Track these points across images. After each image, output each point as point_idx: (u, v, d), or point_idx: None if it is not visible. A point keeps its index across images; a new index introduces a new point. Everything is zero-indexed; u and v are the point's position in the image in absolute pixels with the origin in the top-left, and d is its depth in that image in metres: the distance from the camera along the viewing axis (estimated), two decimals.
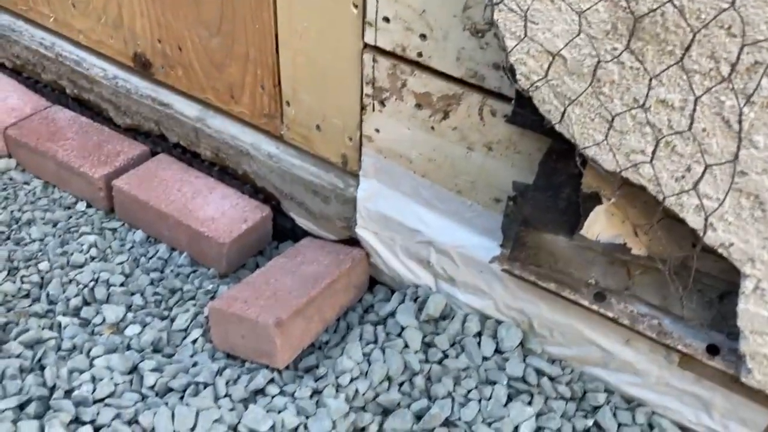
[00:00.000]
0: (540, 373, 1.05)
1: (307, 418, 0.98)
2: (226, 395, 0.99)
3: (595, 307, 0.94)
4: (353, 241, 1.20)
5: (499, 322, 1.10)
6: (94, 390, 0.96)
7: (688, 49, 0.66)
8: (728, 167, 0.72)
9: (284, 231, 1.30)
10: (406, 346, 1.09)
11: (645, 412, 1.02)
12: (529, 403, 1.02)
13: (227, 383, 1.01)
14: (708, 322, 0.90)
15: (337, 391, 1.02)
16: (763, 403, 0.91)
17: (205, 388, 1.00)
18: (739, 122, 0.66)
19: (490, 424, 1.00)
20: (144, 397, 0.98)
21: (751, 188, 0.72)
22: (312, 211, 1.22)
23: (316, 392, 1.02)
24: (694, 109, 0.68)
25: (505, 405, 1.02)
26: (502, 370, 1.05)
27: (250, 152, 1.23)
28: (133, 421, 0.93)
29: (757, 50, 0.64)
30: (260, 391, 1.01)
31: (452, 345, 1.09)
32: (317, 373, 1.05)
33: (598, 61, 0.73)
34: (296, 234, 1.28)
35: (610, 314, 0.93)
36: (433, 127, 0.99)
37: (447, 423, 1.00)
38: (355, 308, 1.18)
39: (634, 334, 0.95)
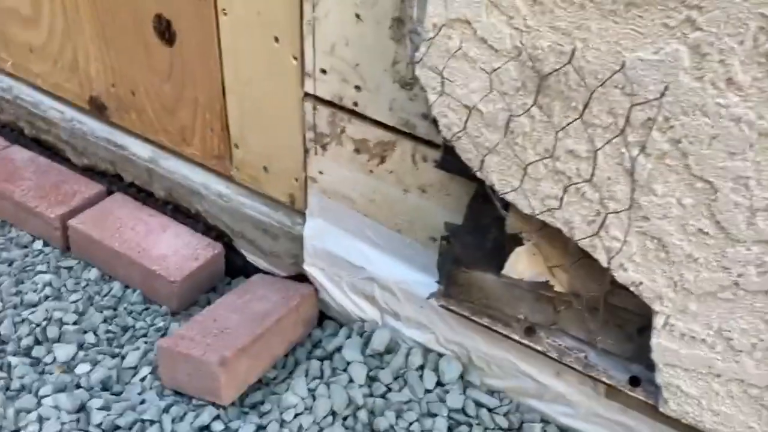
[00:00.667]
0: (479, 404, 1.09)
1: None
2: None
3: (525, 341, 0.99)
4: (303, 278, 1.24)
5: (440, 356, 1.14)
6: (40, 430, 0.98)
7: (586, 106, 0.72)
8: (633, 212, 0.78)
9: (237, 268, 1.34)
10: (351, 380, 1.12)
11: None
12: None
13: (173, 420, 1.04)
14: (629, 354, 0.95)
15: (281, 426, 1.05)
16: (683, 430, 0.96)
17: (151, 425, 1.03)
18: (632, 173, 0.72)
19: None
20: None
21: (654, 232, 0.78)
22: (262, 249, 1.26)
23: (261, 428, 1.05)
24: (595, 160, 0.74)
25: None
26: (443, 403, 1.09)
27: (201, 192, 1.27)
28: None
29: (648, 108, 0.70)
30: (205, 428, 1.04)
31: (396, 378, 1.13)
32: (262, 409, 1.08)
33: (511, 115, 0.79)
34: (248, 271, 1.32)
35: (539, 348, 0.98)
36: (371, 170, 1.04)
37: None
38: (304, 343, 1.22)
39: (564, 367, 0.99)
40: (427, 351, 1.15)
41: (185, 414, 1.06)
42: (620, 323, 0.94)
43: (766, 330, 0.77)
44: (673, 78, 0.67)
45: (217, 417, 1.06)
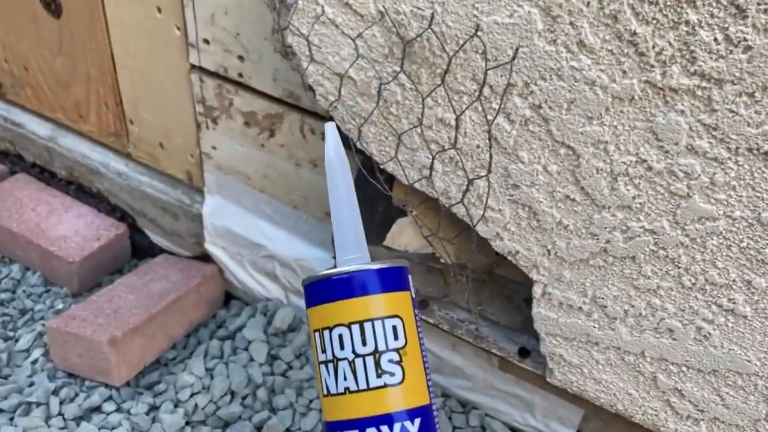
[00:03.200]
0: None
1: None
2: (58, 414, 0.99)
3: (418, 314, 0.98)
4: (208, 258, 1.22)
5: None
6: None
7: (446, 72, 0.71)
8: (503, 180, 0.77)
9: (144, 249, 1.31)
10: (252, 359, 1.11)
11: (478, 415, 1.06)
12: None
13: (62, 402, 1.01)
14: (518, 326, 0.95)
15: (175, 406, 1.03)
16: (574, 401, 0.97)
17: (37, 407, 1.00)
18: (489, 137, 0.71)
19: None
20: None
21: (524, 200, 0.77)
22: (164, 228, 1.23)
23: (154, 408, 1.03)
24: (457, 126, 0.73)
25: None
26: None
27: (101, 170, 1.24)
28: None
29: (507, 73, 0.70)
30: (96, 409, 1.02)
31: (297, 357, 1.12)
32: (157, 389, 1.06)
33: (381, 83, 0.77)
34: (155, 252, 1.29)
35: (432, 321, 0.97)
36: (263, 145, 1.02)
37: None
38: (208, 324, 1.20)
39: (458, 340, 0.99)
40: None
41: (76, 395, 1.03)
42: (508, 294, 0.94)
43: (636, 296, 0.78)
44: (529, 41, 0.67)
45: (109, 398, 1.03)
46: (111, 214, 1.29)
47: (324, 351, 0.55)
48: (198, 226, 1.17)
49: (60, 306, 1.20)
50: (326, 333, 0.55)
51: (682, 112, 0.64)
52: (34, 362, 1.09)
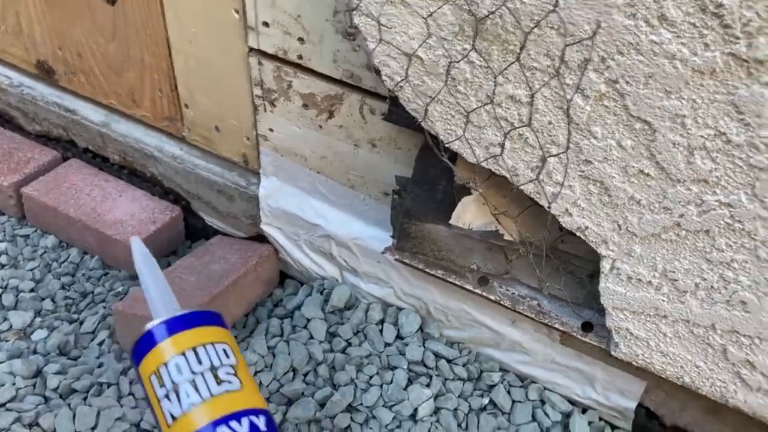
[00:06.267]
0: (438, 356, 1.10)
1: None
2: (129, 394, 1.02)
3: (478, 291, 0.99)
4: (263, 238, 1.24)
5: (399, 309, 1.14)
6: None
7: (522, 48, 0.71)
8: (575, 156, 0.77)
9: (197, 231, 1.33)
10: (311, 337, 1.13)
11: (537, 389, 1.08)
12: (428, 385, 1.07)
13: (131, 382, 1.03)
14: (581, 300, 0.96)
15: None
16: (636, 373, 0.98)
17: (108, 387, 1.02)
18: (567, 114, 0.71)
19: (390, 407, 1.04)
20: (47, 400, 1.00)
21: (596, 176, 0.78)
22: (219, 210, 1.24)
23: None
24: (533, 104, 0.73)
25: (405, 388, 1.06)
26: (402, 355, 1.10)
27: (155, 155, 1.25)
28: (33, 424, 0.96)
29: (584, 48, 0.69)
30: None
31: (356, 333, 1.14)
32: None
33: (450, 62, 0.77)
34: (208, 233, 1.31)
35: (493, 297, 0.98)
36: (321, 126, 1.03)
37: (349, 408, 1.04)
38: (265, 303, 1.21)
39: (518, 315, 1.00)
40: (386, 305, 1.15)
41: None
42: (572, 270, 0.95)
43: (708, 269, 0.78)
44: (607, 16, 0.66)
45: None
46: (164, 197, 1.31)
47: (163, 385, 0.63)
48: (254, 207, 1.18)
49: (120, 289, 1.22)
50: (162, 369, 0.63)
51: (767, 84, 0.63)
52: (101, 344, 1.11)
